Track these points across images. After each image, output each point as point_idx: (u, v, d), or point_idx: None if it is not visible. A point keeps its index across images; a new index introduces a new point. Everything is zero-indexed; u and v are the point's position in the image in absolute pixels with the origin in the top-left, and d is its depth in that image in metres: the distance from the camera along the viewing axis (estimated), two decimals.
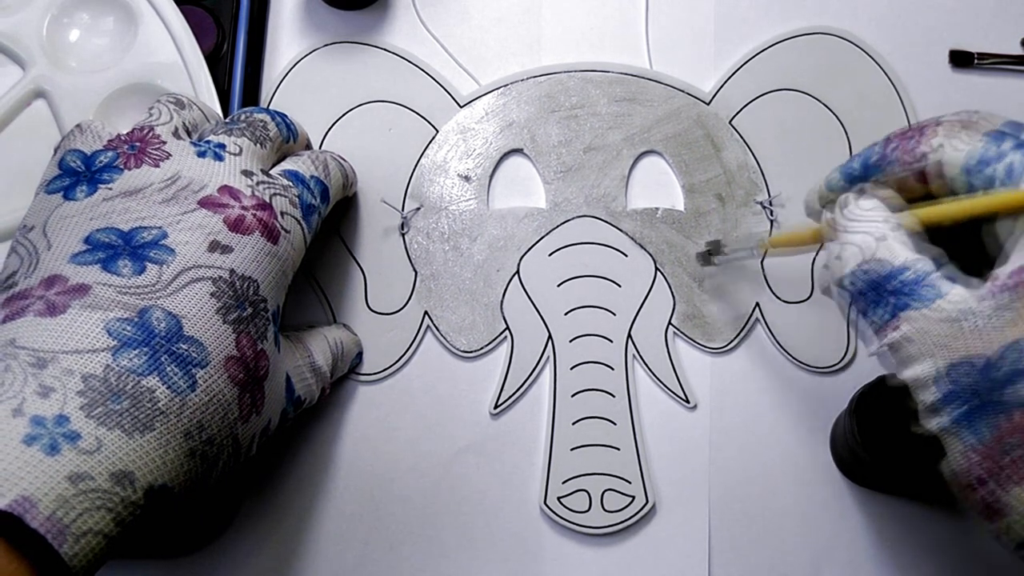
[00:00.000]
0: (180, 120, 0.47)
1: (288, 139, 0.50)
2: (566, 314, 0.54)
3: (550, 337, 0.53)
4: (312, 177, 0.48)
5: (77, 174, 0.43)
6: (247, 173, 0.45)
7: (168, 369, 0.36)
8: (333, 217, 0.56)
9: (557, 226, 0.55)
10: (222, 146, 0.45)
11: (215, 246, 0.40)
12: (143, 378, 0.36)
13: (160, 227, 0.40)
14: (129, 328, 0.37)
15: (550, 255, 0.55)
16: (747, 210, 0.55)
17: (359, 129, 0.57)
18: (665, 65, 0.58)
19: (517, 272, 0.54)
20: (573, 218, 0.55)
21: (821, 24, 0.58)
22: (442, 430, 0.53)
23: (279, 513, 0.52)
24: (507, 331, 0.54)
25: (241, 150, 0.46)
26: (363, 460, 0.53)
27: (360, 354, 0.54)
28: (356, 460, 0.53)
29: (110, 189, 0.42)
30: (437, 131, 0.57)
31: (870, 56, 0.57)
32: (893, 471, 0.47)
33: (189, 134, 0.46)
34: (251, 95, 0.58)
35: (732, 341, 0.53)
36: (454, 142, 0.57)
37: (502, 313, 0.54)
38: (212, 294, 0.39)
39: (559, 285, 0.54)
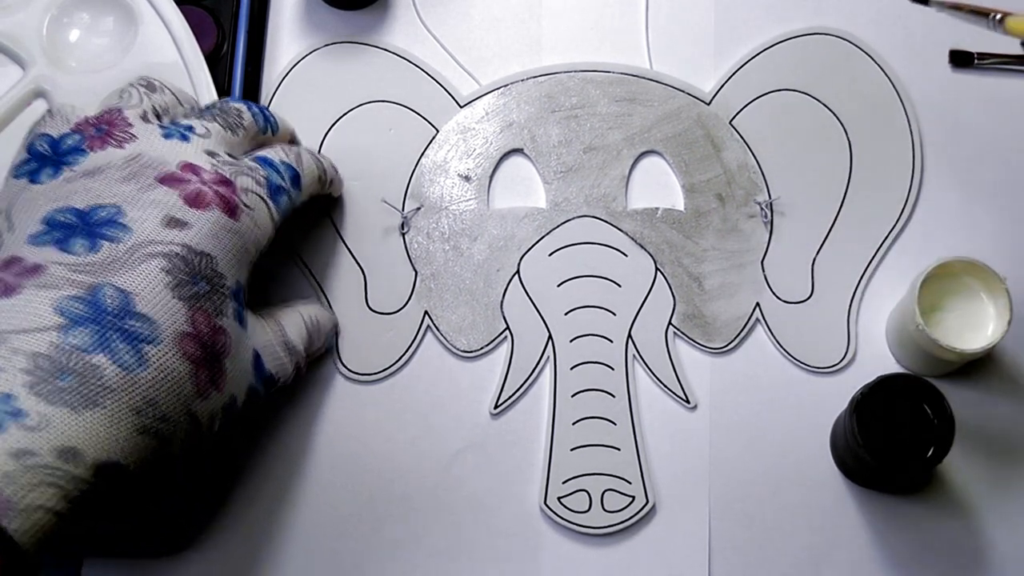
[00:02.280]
0: (150, 103, 0.46)
1: (265, 130, 0.50)
2: (566, 314, 0.54)
3: (550, 337, 0.53)
4: (282, 162, 0.48)
5: (44, 158, 0.43)
6: (211, 153, 0.45)
7: (116, 346, 0.36)
8: (333, 217, 0.56)
9: (557, 226, 0.55)
10: (190, 128, 0.45)
11: (171, 222, 0.40)
12: (90, 355, 0.36)
13: (117, 205, 0.40)
14: (78, 306, 0.37)
15: (550, 255, 0.55)
16: (747, 210, 0.55)
17: (359, 129, 0.57)
18: (665, 65, 0.58)
19: (517, 272, 0.54)
20: (573, 218, 0.55)
21: (821, 24, 0.58)
22: (442, 430, 0.53)
23: (276, 513, 0.52)
24: (507, 331, 0.54)
25: (209, 132, 0.46)
26: (362, 460, 0.52)
27: (337, 332, 0.53)
28: (355, 459, 0.52)
29: (73, 171, 0.42)
30: (437, 131, 0.57)
31: (870, 56, 0.57)
32: (893, 471, 0.47)
33: (159, 117, 0.46)
34: (251, 95, 0.58)
35: (732, 341, 0.53)
36: (454, 142, 0.57)
37: (502, 313, 0.54)
38: (165, 270, 0.39)
39: (559, 285, 0.54)
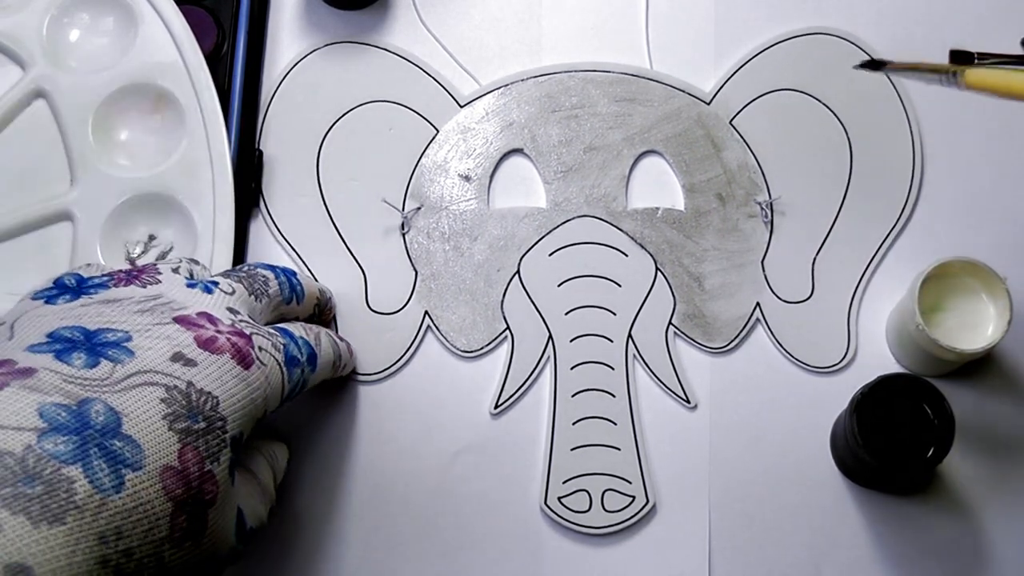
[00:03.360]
0: (187, 266, 0.46)
1: (290, 300, 0.49)
2: (566, 314, 0.54)
3: (550, 337, 0.53)
4: (302, 338, 0.46)
5: (67, 288, 0.42)
6: (232, 311, 0.43)
7: (94, 463, 0.34)
8: (333, 217, 0.56)
9: (557, 226, 0.55)
10: (215, 283, 0.45)
11: (178, 357, 0.39)
12: (65, 466, 0.33)
13: (127, 331, 0.39)
14: (64, 414, 0.34)
15: (550, 255, 0.55)
16: (747, 210, 0.55)
17: (360, 129, 0.57)
18: (665, 65, 0.58)
19: (517, 272, 0.54)
20: (573, 218, 0.55)
21: (821, 24, 0.58)
22: (442, 430, 0.53)
23: (276, 514, 0.52)
24: (507, 331, 0.54)
25: (234, 292, 0.45)
26: (362, 460, 0.53)
27: (288, 459, 0.51)
28: (355, 460, 0.53)
29: (91, 298, 0.41)
30: (437, 131, 0.57)
31: (869, 56, 0.57)
32: (893, 471, 0.47)
33: (191, 276, 0.46)
34: (251, 95, 0.58)
35: (732, 341, 0.53)
36: (454, 142, 0.57)
37: (502, 313, 0.54)
38: (162, 399, 0.37)
39: (559, 285, 0.54)
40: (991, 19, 0.58)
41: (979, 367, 0.52)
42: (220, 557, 0.39)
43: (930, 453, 0.46)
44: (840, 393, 0.51)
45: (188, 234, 0.54)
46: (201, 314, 0.42)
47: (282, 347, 0.44)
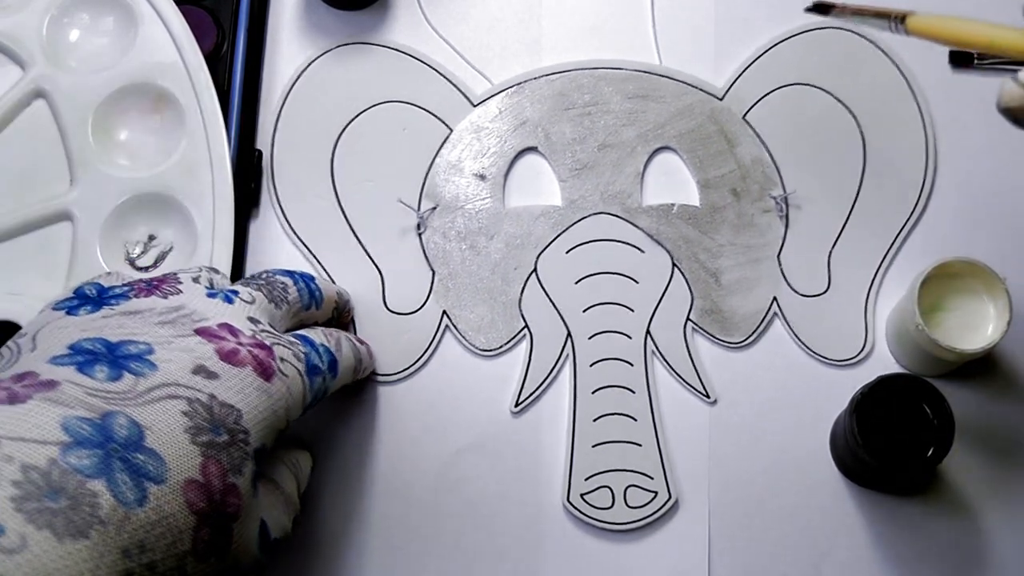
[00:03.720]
0: (207, 275, 0.46)
1: (309, 306, 0.49)
2: (584, 311, 0.54)
3: (569, 334, 0.53)
4: (322, 345, 0.46)
5: (88, 298, 0.42)
6: (253, 320, 0.43)
7: (118, 476, 0.34)
8: (349, 218, 0.55)
9: (573, 223, 0.55)
10: (235, 292, 0.44)
11: (200, 370, 0.38)
12: (89, 480, 0.33)
13: (148, 343, 0.39)
14: (86, 427, 0.34)
15: (567, 252, 0.55)
16: (762, 205, 0.55)
17: (373, 130, 0.57)
18: (675, 61, 0.58)
19: (535, 270, 0.54)
20: (589, 215, 0.55)
21: (822, 22, 0.58)
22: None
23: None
24: (526, 329, 0.54)
25: (255, 301, 0.45)
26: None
27: (312, 467, 0.51)
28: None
29: (112, 309, 0.41)
30: (451, 130, 0.57)
31: (881, 49, 0.58)
32: (893, 471, 0.47)
33: (211, 285, 0.46)
34: (251, 95, 0.58)
35: (751, 335, 0.53)
36: (468, 141, 0.56)
37: (520, 311, 0.54)
38: (184, 412, 0.37)
39: (577, 282, 0.54)
40: (991, 19, 0.59)
41: (979, 367, 0.53)
42: (243, 569, 0.39)
43: (930, 453, 0.46)
44: (844, 393, 0.50)
45: (188, 234, 0.54)
46: (222, 325, 0.41)
47: (303, 356, 0.44)
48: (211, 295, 0.43)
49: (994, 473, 0.51)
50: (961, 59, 0.57)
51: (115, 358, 0.37)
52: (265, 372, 0.41)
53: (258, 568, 0.40)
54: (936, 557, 0.50)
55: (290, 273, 0.48)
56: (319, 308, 0.50)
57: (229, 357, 0.40)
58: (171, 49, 0.56)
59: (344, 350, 0.48)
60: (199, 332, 0.40)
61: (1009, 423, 0.52)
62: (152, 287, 0.43)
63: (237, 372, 0.39)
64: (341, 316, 0.53)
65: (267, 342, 0.42)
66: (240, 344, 0.41)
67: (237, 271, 0.54)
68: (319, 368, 0.44)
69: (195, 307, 0.42)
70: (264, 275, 0.48)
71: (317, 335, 0.46)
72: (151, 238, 0.54)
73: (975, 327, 0.50)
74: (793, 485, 0.52)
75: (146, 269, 0.53)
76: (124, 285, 0.43)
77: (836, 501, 0.51)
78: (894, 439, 0.46)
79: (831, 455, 0.52)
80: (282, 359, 0.42)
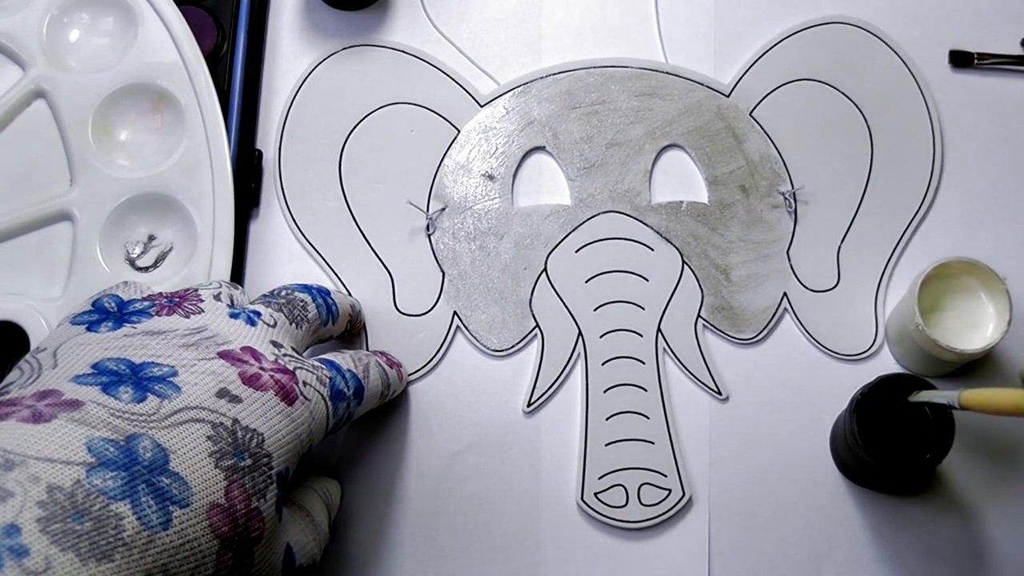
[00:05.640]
0: (227, 292, 0.46)
1: (327, 322, 0.49)
2: (595, 310, 0.53)
3: (580, 333, 0.53)
4: (349, 371, 0.46)
5: (108, 312, 0.42)
6: (276, 344, 0.43)
7: (143, 499, 0.33)
8: (359, 220, 0.55)
9: (582, 222, 0.55)
10: (257, 313, 0.44)
11: (224, 393, 0.38)
12: (114, 502, 0.33)
13: (172, 366, 0.39)
14: (112, 449, 0.34)
15: (577, 251, 0.54)
16: (770, 201, 0.56)
17: (380, 132, 0.57)
18: (681, 58, 0.58)
19: (545, 269, 0.54)
20: (598, 214, 0.55)
21: (837, 13, 0.59)
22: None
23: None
24: (537, 328, 0.54)
25: (276, 323, 0.45)
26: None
27: (342, 497, 0.51)
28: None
29: (134, 328, 0.41)
30: (458, 131, 0.56)
31: (886, 44, 0.58)
32: (893, 471, 0.47)
33: (232, 303, 0.45)
34: (251, 95, 0.57)
35: (761, 332, 0.54)
36: (476, 141, 0.56)
37: (531, 311, 0.54)
38: (208, 436, 0.37)
39: (587, 281, 0.54)
40: (991, 19, 0.59)
41: (979, 367, 0.53)
42: None
43: (930, 453, 0.45)
44: (845, 393, 0.50)
45: (188, 234, 0.53)
46: (245, 349, 0.41)
47: (327, 381, 0.44)
48: (233, 315, 0.43)
49: (994, 473, 0.51)
50: (961, 59, 0.58)
51: (139, 379, 0.37)
52: (288, 396, 0.40)
53: None
54: (936, 557, 0.50)
55: (307, 288, 0.48)
56: (335, 323, 0.50)
57: (252, 381, 0.40)
58: (171, 49, 0.55)
59: (372, 376, 0.47)
60: (222, 355, 0.40)
61: (1009, 423, 0.52)
62: (174, 304, 0.43)
63: (260, 396, 0.39)
64: (354, 326, 0.52)
65: (290, 367, 0.42)
66: (263, 369, 0.41)
67: (237, 271, 0.54)
68: (344, 394, 0.44)
69: (218, 329, 0.42)
70: (284, 292, 0.47)
71: (345, 360, 0.46)
72: (151, 238, 0.54)
73: (975, 327, 0.50)
74: (793, 484, 0.52)
75: (146, 269, 0.53)
76: (144, 300, 0.43)
77: (836, 501, 0.51)
78: (894, 439, 0.46)
79: (831, 455, 0.52)
80: (305, 383, 0.42)
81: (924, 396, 0.46)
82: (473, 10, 0.60)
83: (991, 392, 0.44)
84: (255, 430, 0.38)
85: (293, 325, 0.46)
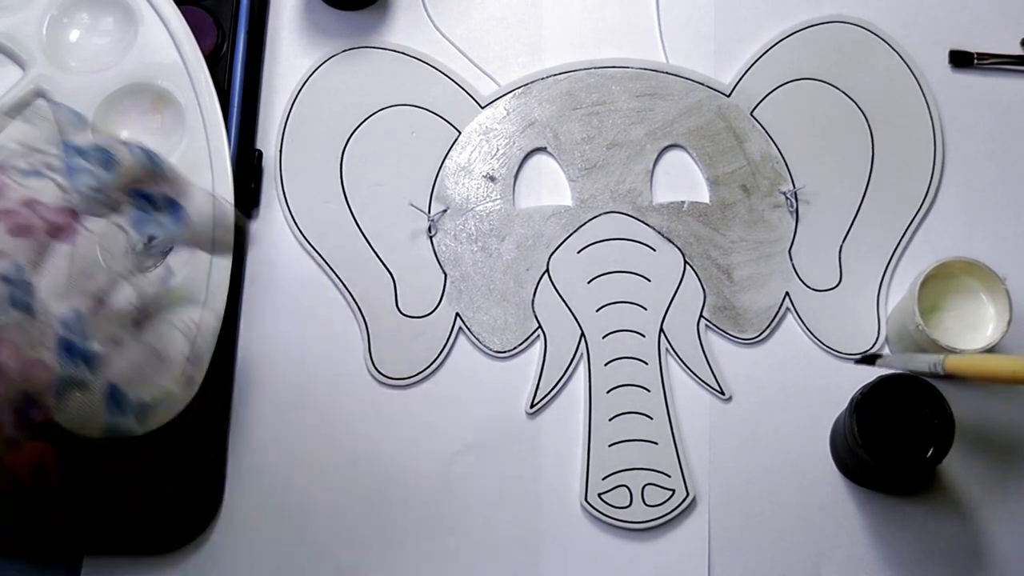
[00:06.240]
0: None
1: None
2: (597, 310, 0.53)
3: (583, 334, 0.53)
4: (92, 146, 0.41)
5: None
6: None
7: None
8: (360, 222, 0.55)
9: (584, 223, 0.55)
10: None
11: None
12: None
13: None
14: None
15: (579, 252, 0.54)
16: (772, 200, 0.56)
17: (381, 134, 0.57)
18: (681, 58, 0.58)
19: (547, 270, 0.54)
20: (600, 214, 0.55)
21: (836, 13, 0.59)
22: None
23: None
24: (540, 330, 0.53)
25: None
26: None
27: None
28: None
29: None
30: (459, 132, 0.56)
31: (887, 43, 0.58)
32: (893, 471, 0.47)
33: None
34: (251, 95, 0.57)
35: (764, 331, 0.54)
36: (477, 143, 0.56)
37: (534, 312, 0.54)
38: None
39: (589, 282, 0.54)
40: (991, 19, 0.59)
41: None
42: (94, 434, 0.38)
43: (930, 453, 0.45)
44: (846, 393, 0.49)
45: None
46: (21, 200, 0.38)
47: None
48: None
49: (994, 473, 0.51)
50: (961, 59, 0.58)
51: None
52: (59, 234, 0.38)
53: (119, 433, 0.39)
54: (936, 557, 0.50)
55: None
56: (108, 169, 0.42)
57: (20, 233, 0.37)
58: (171, 49, 0.55)
59: (196, 198, 0.44)
60: None
61: (1009, 423, 0.52)
62: None
63: (23, 245, 0.37)
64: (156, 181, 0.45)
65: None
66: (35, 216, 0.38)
67: (237, 271, 0.54)
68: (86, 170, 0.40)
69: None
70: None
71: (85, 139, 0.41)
72: (151, 238, 0.53)
73: (975, 327, 0.50)
74: (794, 484, 0.52)
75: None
76: None
77: (836, 501, 0.51)
78: (894, 439, 0.46)
79: (831, 455, 0.52)
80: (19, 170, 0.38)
81: (898, 361, 0.46)
82: (473, 10, 0.60)
83: (984, 358, 0.44)
84: (24, 281, 0.36)
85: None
